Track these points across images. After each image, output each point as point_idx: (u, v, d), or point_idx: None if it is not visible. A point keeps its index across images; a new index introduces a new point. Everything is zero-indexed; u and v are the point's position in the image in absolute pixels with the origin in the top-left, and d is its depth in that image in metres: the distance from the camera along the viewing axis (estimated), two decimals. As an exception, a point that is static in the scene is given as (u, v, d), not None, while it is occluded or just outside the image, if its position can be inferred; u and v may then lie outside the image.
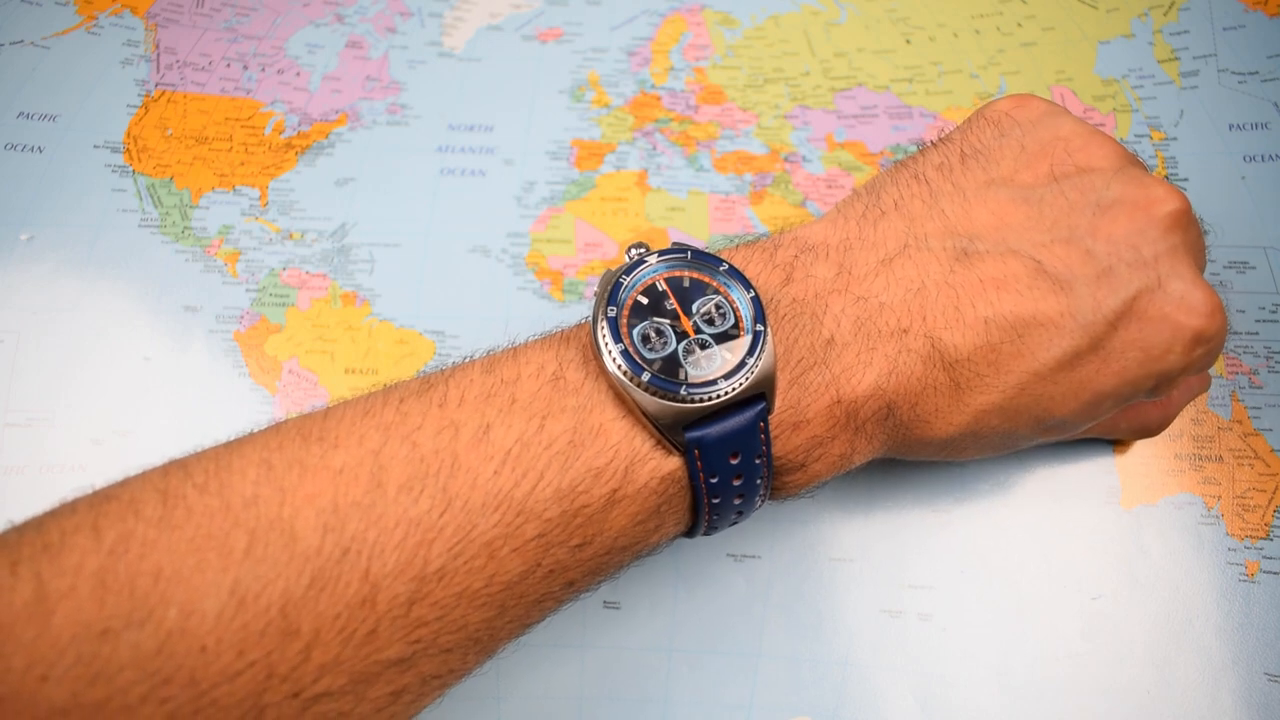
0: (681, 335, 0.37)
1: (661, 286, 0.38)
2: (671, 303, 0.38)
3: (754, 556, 0.48)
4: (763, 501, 0.40)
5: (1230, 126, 0.55)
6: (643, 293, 0.38)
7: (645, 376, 0.36)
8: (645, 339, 0.37)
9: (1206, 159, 0.54)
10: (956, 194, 0.42)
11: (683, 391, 0.36)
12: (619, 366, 0.36)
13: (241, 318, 0.52)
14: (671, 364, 0.37)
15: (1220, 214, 0.52)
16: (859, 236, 0.42)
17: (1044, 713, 0.45)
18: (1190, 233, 0.42)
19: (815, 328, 0.39)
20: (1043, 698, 0.45)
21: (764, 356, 0.37)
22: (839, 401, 0.38)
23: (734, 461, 0.37)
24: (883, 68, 0.58)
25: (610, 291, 0.38)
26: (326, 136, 0.57)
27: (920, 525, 0.48)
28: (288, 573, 0.32)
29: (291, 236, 0.54)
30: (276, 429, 0.36)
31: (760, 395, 0.37)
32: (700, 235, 0.53)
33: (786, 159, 0.55)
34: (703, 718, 0.46)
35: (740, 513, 0.39)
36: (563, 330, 0.40)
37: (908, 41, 0.58)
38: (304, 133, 0.57)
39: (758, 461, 0.37)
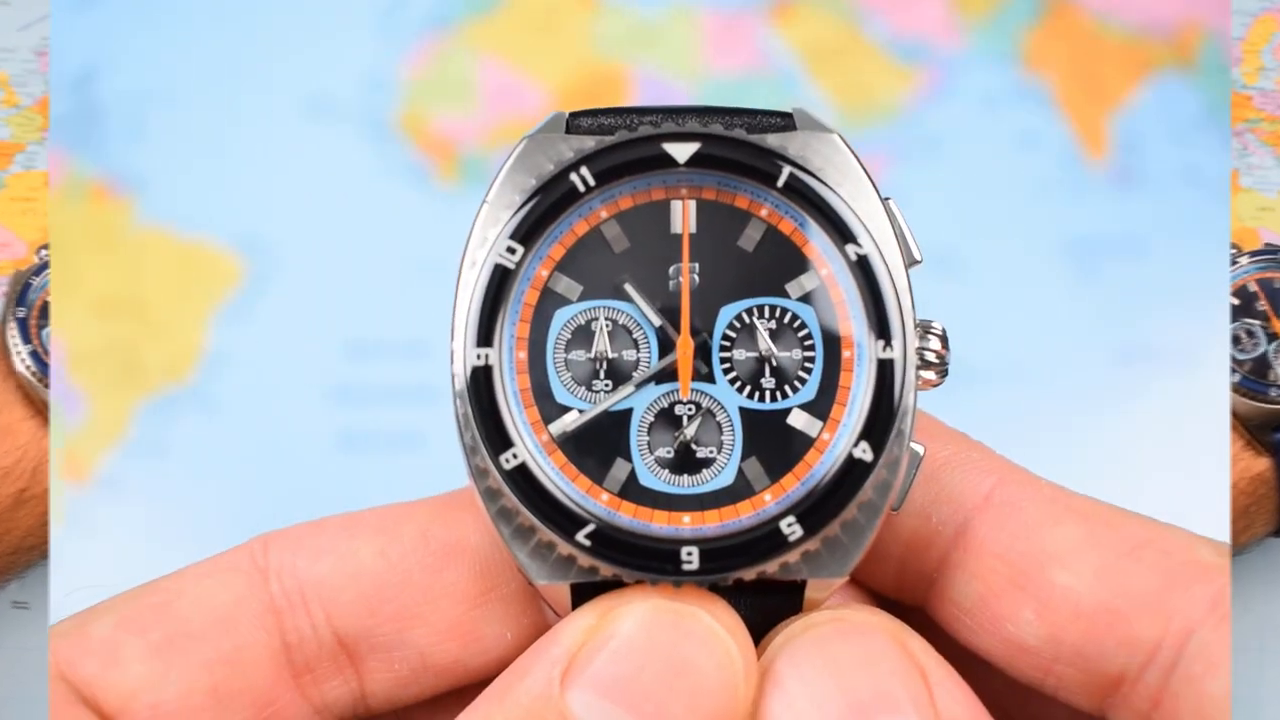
0: (1272, 336, 0.37)
1: (1253, 288, 0.38)
2: (1262, 304, 0.38)
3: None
4: (1352, 502, 0.39)
5: None
6: (1234, 293, 0.38)
7: (1236, 378, 0.36)
8: (1236, 340, 0.37)
9: None
10: None
11: (1273, 393, 0.36)
12: (28, 367, 0.36)
13: None
14: (1261, 365, 0.37)
15: None
16: None
17: None
18: None
19: None
20: None
21: (1358, 358, 0.36)
22: None
23: (1325, 461, 0.36)
24: None
25: (19, 293, 0.38)
26: None
27: None
28: None
29: None
30: None
31: (1354, 396, 0.36)
32: (1292, 237, 0.51)
33: (1372, 159, 0.52)
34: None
35: (1329, 513, 0.38)
36: None
37: None
38: None
39: (1349, 462, 0.37)
